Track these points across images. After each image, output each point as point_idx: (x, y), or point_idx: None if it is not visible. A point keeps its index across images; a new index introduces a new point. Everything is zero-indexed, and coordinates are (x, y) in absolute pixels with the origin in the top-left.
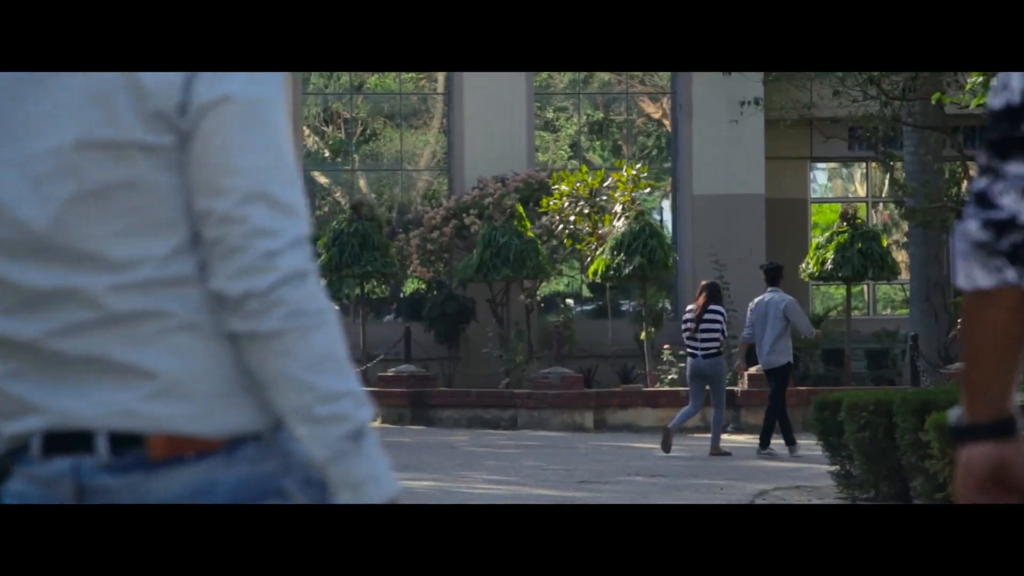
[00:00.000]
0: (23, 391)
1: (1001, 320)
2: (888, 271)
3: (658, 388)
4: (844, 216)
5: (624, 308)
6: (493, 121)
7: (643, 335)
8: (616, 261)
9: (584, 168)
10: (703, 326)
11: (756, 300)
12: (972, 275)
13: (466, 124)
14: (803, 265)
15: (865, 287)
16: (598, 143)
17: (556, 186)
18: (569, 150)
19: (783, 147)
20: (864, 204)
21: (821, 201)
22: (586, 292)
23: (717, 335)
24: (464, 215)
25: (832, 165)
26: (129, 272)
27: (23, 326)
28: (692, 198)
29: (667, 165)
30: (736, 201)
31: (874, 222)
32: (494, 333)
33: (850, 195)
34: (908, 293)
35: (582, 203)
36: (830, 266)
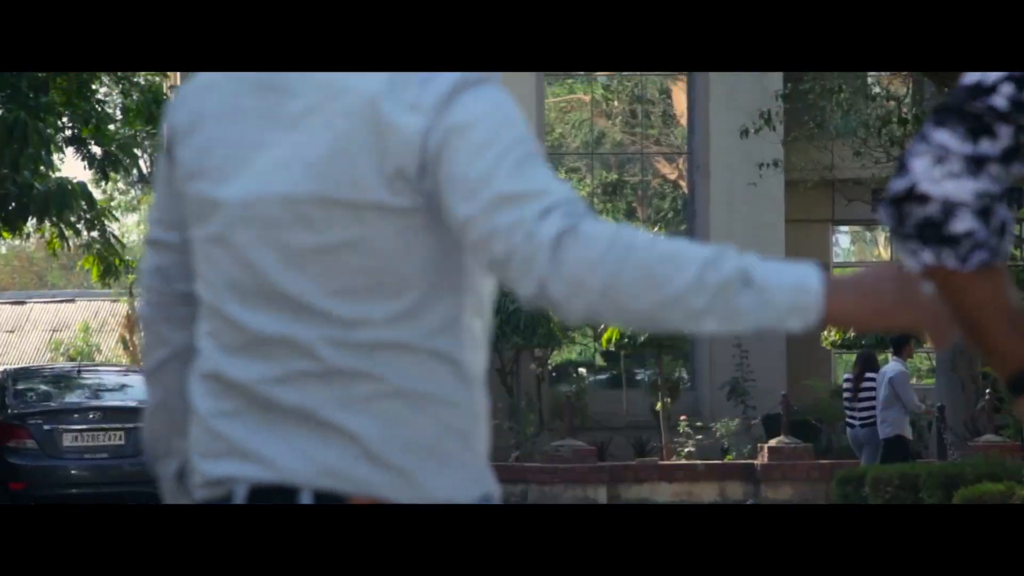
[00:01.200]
0: (232, 432)
1: (954, 293)
2: (913, 339)
3: (674, 461)
4: None
5: (639, 378)
6: None
7: (659, 406)
8: (631, 329)
9: None
10: (861, 395)
11: (881, 370)
12: (904, 257)
13: None
14: (825, 332)
15: (888, 355)
16: (611, 205)
17: None
18: None
19: (804, 209)
20: None
21: (844, 265)
22: (600, 361)
23: (875, 403)
24: None
25: (855, 228)
26: (350, 330)
27: (243, 368)
28: None
29: (683, 228)
30: None
31: None
32: (504, 404)
33: (874, 259)
34: (934, 362)
35: None
36: (853, 333)
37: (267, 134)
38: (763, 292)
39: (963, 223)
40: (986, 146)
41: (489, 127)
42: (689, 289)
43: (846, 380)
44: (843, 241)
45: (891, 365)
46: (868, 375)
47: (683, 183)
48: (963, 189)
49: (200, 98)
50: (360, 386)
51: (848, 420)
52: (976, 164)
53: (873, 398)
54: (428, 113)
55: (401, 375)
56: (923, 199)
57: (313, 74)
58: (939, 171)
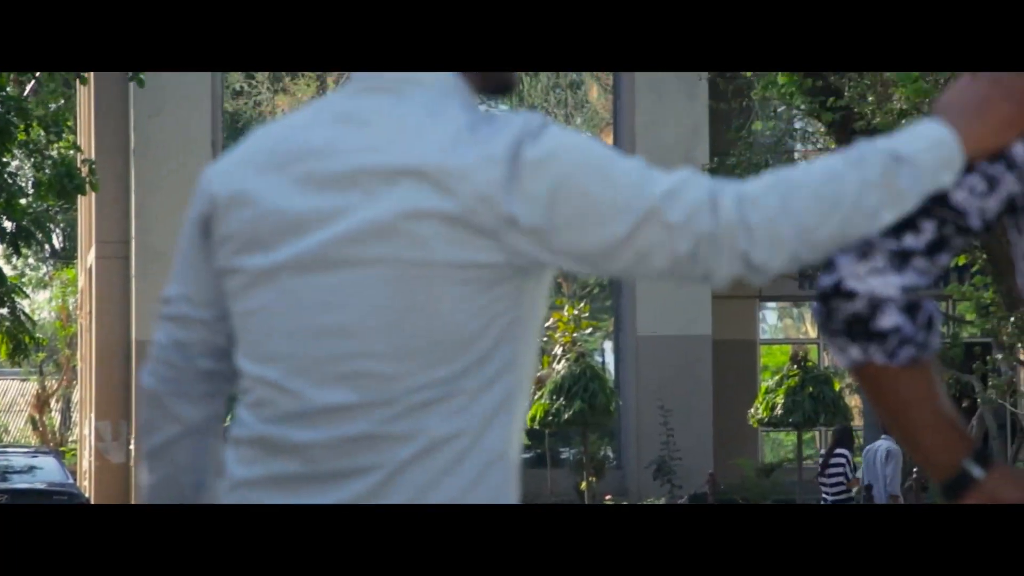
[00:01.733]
0: (273, 499)
1: (883, 390)
2: (841, 416)
3: None
4: (794, 358)
5: (564, 456)
6: None
7: (583, 485)
8: (555, 406)
9: None
10: (829, 470)
11: (868, 446)
12: (833, 352)
13: None
14: (752, 410)
15: (817, 433)
16: None
17: None
18: None
19: (731, 285)
20: (815, 346)
21: (771, 342)
22: (524, 439)
23: (841, 478)
24: None
25: (782, 304)
26: (405, 394)
27: (292, 434)
28: (636, 339)
29: (609, 304)
30: (682, 342)
31: (826, 364)
32: None
33: (801, 336)
34: (862, 440)
35: None
36: (780, 411)
37: (319, 201)
38: (914, 164)
39: (889, 319)
40: (910, 240)
41: (581, 151)
42: (860, 193)
43: (822, 455)
44: (770, 317)
45: (883, 443)
46: (838, 451)
47: None
48: (888, 284)
49: (242, 172)
50: (404, 449)
51: (823, 494)
52: (901, 259)
53: (840, 472)
54: (502, 163)
55: (443, 430)
56: (849, 295)
57: (355, 139)
58: (864, 267)
